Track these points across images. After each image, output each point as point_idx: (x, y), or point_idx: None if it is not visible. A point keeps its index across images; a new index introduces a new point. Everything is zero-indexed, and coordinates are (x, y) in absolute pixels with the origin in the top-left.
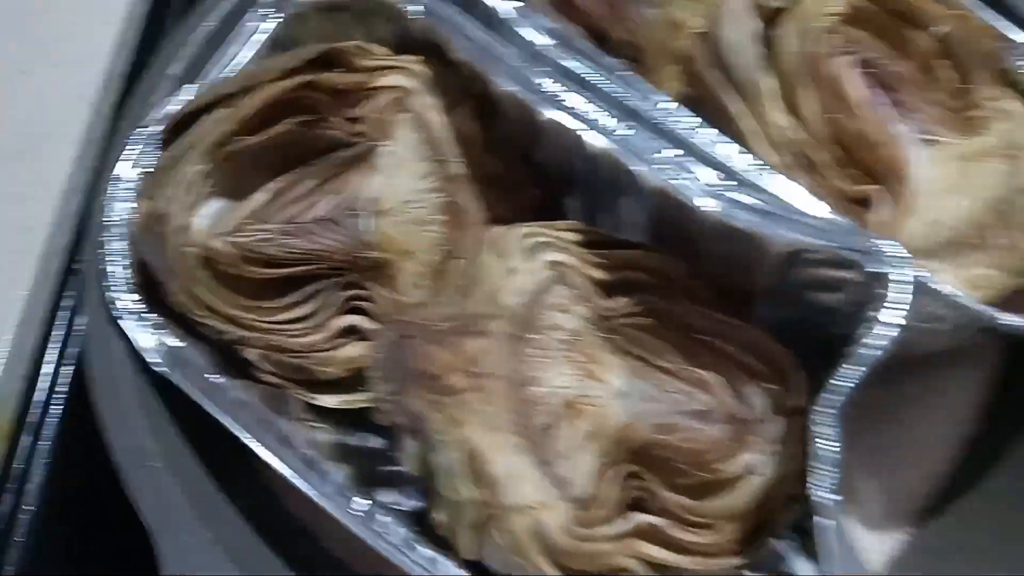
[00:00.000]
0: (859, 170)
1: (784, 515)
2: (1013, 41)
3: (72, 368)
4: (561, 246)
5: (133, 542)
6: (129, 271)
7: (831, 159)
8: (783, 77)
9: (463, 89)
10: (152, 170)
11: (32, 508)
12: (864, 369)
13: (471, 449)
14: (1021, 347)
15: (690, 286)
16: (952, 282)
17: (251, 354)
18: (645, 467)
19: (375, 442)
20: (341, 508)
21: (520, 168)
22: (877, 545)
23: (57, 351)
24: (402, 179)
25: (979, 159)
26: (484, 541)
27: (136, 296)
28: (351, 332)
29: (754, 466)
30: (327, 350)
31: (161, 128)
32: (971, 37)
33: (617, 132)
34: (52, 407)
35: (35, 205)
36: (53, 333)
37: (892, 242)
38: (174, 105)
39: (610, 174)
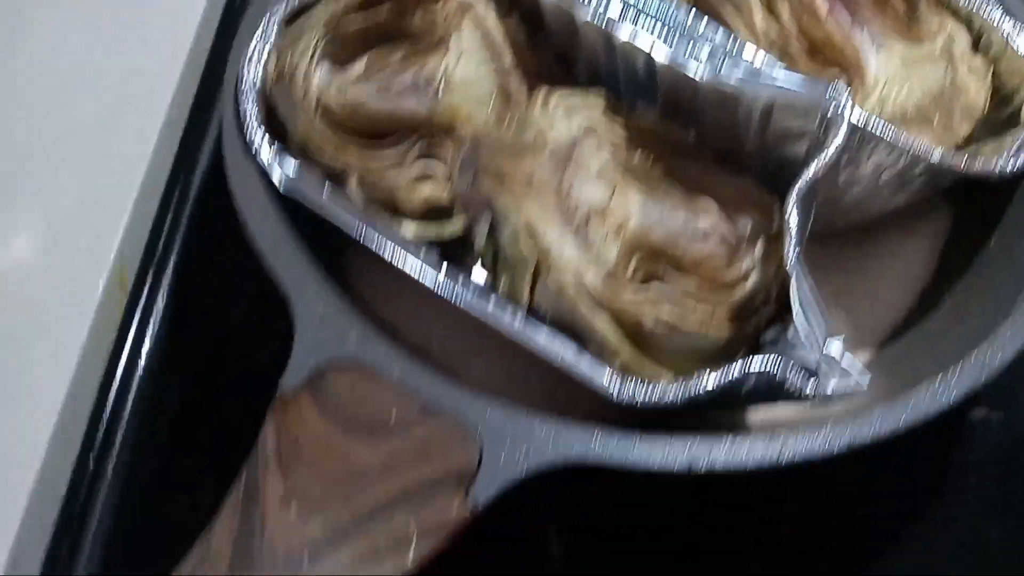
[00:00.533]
0: (825, 63)
1: (764, 309)
2: None
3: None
4: (591, 110)
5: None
6: (259, 118)
7: (802, 50)
8: None
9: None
10: (283, 37)
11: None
12: (817, 169)
13: (529, 224)
14: (963, 213)
15: (694, 150)
16: None
17: (351, 182)
18: (656, 264)
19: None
20: (433, 276)
21: (557, 65)
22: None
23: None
24: (466, 64)
25: (921, 60)
26: (539, 288)
27: (266, 134)
28: (426, 176)
29: (746, 273)
30: (408, 187)
31: (285, 13)
32: None
33: (640, 26)
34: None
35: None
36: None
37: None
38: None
39: (626, 56)
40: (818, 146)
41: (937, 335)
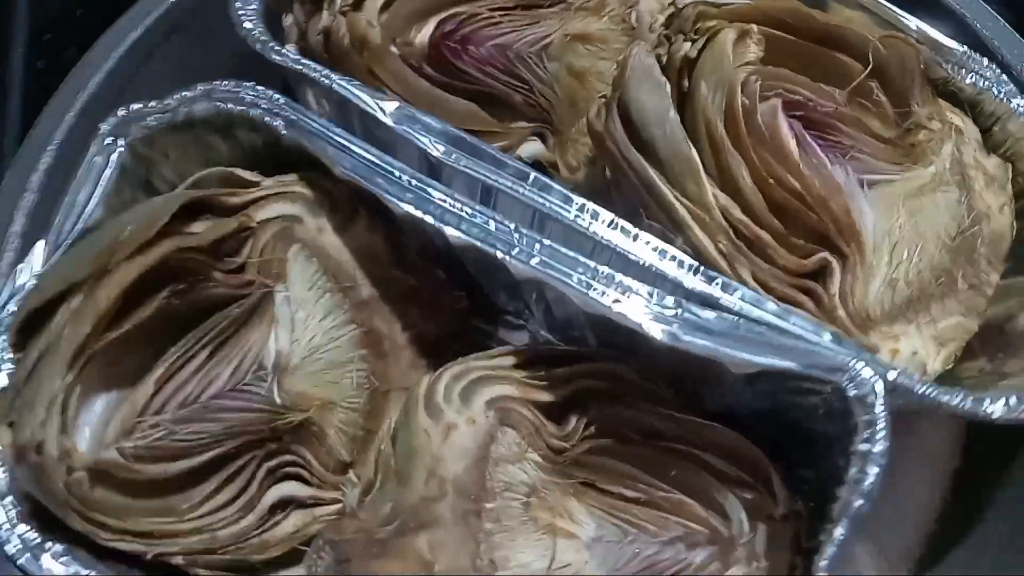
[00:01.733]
0: (806, 237)
1: None
2: (946, 48)
3: None
4: (498, 377)
5: None
6: (19, 501)
7: (773, 235)
8: (708, 142)
9: (354, 200)
10: (9, 388)
11: None
12: (854, 518)
13: None
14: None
15: (647, 389)
16: (920, 344)
17: (177, 560)
18: None
19: None
20: None
21: (437, 276)
22: None
23: None
24: (307, 323)
25: (928, 192)
26: None
27: (28, 528)
28: (286, 504)
29: None
30: (262, 532)
31: (10, 327)
32: (901, 51)
33: (536, 255)
34: None
35: None
36: None
37: (863, 359)
38: (15, 304)
39: (537, 291)
40: (835, 414)
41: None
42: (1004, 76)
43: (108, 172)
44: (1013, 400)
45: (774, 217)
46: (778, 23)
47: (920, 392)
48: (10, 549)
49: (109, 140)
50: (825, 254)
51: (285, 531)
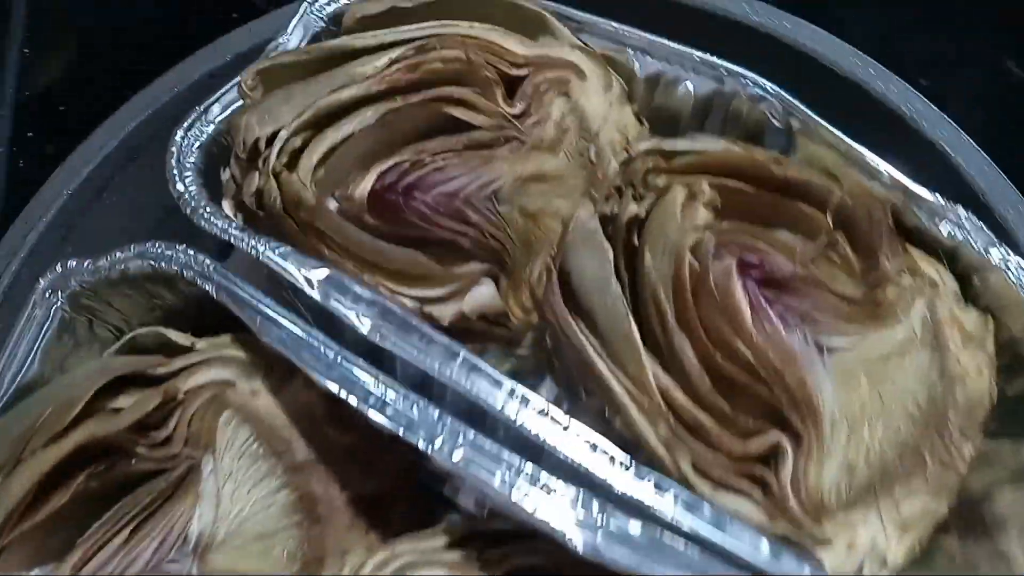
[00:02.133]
0: (757, 412)
1: None
2: (919, 195)
3: None
4: (427, 562)
5: None
6: None
7: (717, 417)
8: (655, 312)
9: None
10: None
11: None
12: None
13: None
14: None
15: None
16: (879, 531)
17: None
18: None
19: None
20: None
21: (375, 434)
22: None
23: None
24: (233, 495)
25: (895, 357)
26: None
27: None
28: None
29: None
30: None
31: None
32: (867, 203)
33: (459, 447)
34: None
35: None
36: None
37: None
38: None
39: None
40: None
41: None
42: (982, 224)
43: (47, 325)
44: None
45: (720, 395)
46: (736, 173)
47: None
48: None
49: (49, 293)
50: (776, 435)
51: None
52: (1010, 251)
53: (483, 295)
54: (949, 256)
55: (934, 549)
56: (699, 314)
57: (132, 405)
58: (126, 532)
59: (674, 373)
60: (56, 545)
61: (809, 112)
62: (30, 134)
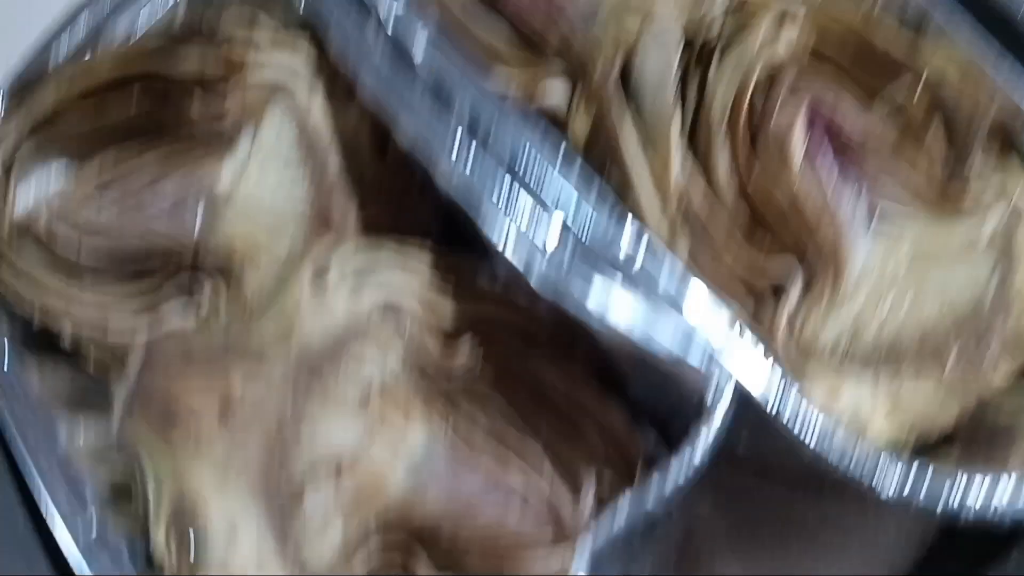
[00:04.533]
0: (778, 245)
1: None
2: None
3: None
4: (404, 276)
5: None
6: None
7: (735, 221)
8: (702, 117)
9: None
10: None
11: None
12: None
13: (183, 490)
14: None
15: (557, 352)
16: (869, 396)
17: (65, 327)
18: (418, 542)
19: None
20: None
21: (411, 179)
22: None
23: None
24: (262, 173)
25: (949, 255)
26: None
27: None
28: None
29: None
30: None
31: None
32: (973, 95)
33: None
34: None
35: None
36: None
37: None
38: (28, 68)
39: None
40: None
41: None
42: None
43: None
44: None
45: (746, 207)
46: (837, 22)
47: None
48: None
49: None
50: (792, 263)
51: None
52: None
53: (556, 88)
54: None
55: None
56: (750, 131)
57: (212, 53)
58: (156, 168)
59: (703, 167)
60: (96, 153)
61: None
62: None
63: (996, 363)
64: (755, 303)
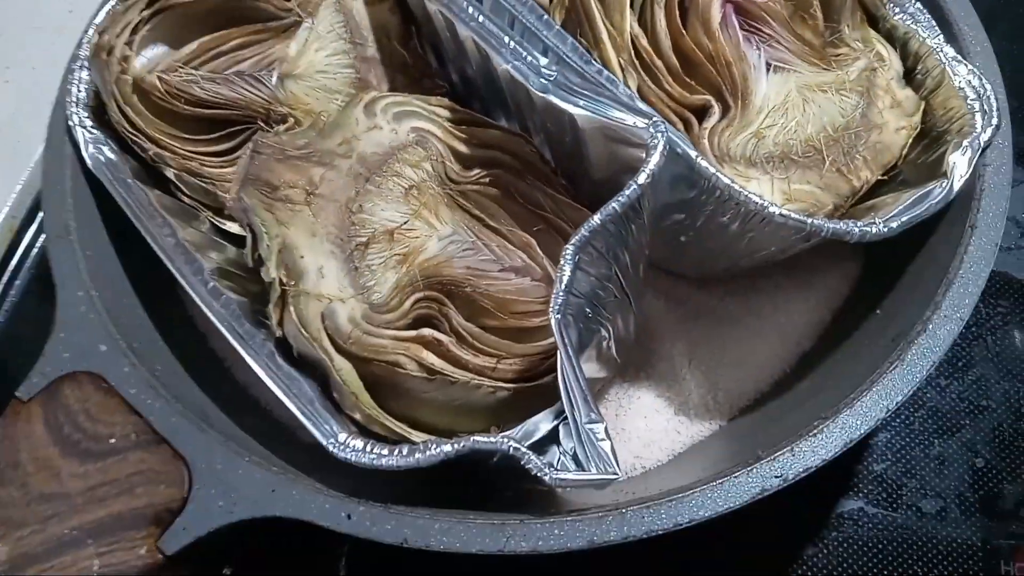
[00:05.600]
0: (700, 83)
1: None
2: None
3: None
4: (430, 117)
5: None
6: (87, 93)
7: (669, 67)
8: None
9: None
10: (110, 12)
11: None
12: (606, 216)
13: (287, 243)
14: (864, 276)
15: (544, 172)
16: (768, 190)
17: (170, 172)
18: (448, 297)
19: None
20: (192, 282)
21: (429, 63)
22: (685, 428)
23: None
24: (318, 52)
25: (827, 90)
26: (284, 318)
27: (88, 113)
28: None
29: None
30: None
31: None
32: None
33: (479, 20)
34: None
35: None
36: None
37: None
38: None
39: (475, 58)
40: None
41: (792, 407)
42: (935, 24)
43: None
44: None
45: (676, 59)
46: None
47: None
48: (70, 120)
49: None
50: (709, 98)
51: None
52: (951, 48)
53: None
54: (901, 44)
55: None
56: (681, 7)
57: None
58: (240, 43)
59: (646, 31)
60: (192, 32)
61: None
62: None
63: (860, 169)
64: (684, 126)
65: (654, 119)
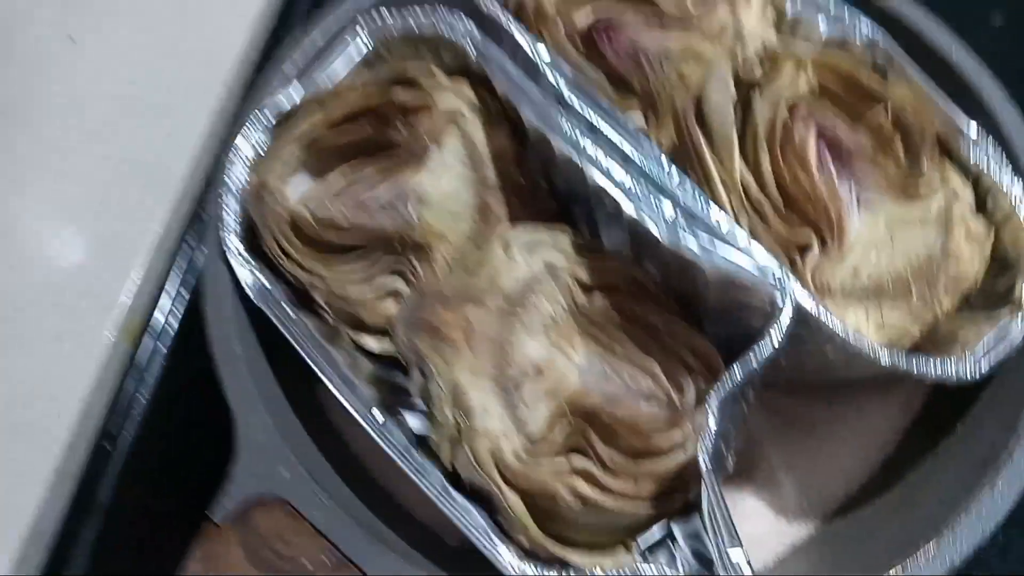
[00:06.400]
0: (801, 220)
1: (692, 488)
2: (963, 131)
3: (189, 292)
4: (556, 247)
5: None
6: (238, 222)
7: (775, 207)
8: (750, 137)
9: (503, 113)
10: (264, 150)
11: (147, 395)
12: (747, 373)
13: (456, 384)
14: (940, 386)
15: (657, 296)
16: (864, 320)
17: (318, 296)
18: (590, 425)
19: (399, 378)
20: (363, 414)
21: (540, 182)
22: (785, 530)
23: (179, 277)
24: (446, 179)
25: (911, 224)
26: (457, 453)
27: (243, 243)
28: (392, 293)
29: (681, 443)
30: (374, 302)
31: (272, 115)
32: (923, 118)
33: (605, 168)
34: (170, 318)
35: (173, 160)
36: (178, 261)
37: (794, 278)
38: (284, 99)
39: (601, 202)
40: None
41: (888, 517)
42: (1006, 160)
43: (355, 52)
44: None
45: (780, 198)
46: (835, 71)
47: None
48: (227, 251)
49: (359, 28)
50: (811, 235)
51: (387, 309)
52: (1020, 187)
53: (636, 120)
54: (974, 178)
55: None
56: (781, 148)
57: (410, 95)
58: (379, 175)
59: (753, 173)
60: (336, 165)
61: (905, 57)
62: None
63: (942, 299)
64: (790, 263)
65: (779, 278)
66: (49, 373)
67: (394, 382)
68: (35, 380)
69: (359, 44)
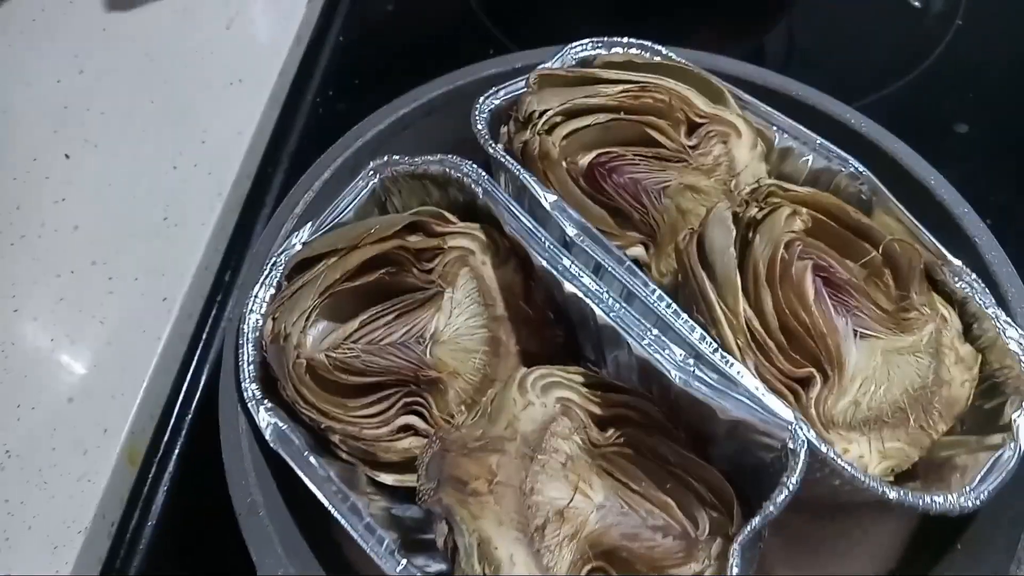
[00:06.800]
0: (803, 356)
1: None
2: (948, 259)
3: (190, 415)
4: (569, 385)
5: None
6: (256, 369)
7: (778, 346)
8: (751, 275)
9: (510, 250)
10: (280, 299)
11: (153, 523)
12: (765, 518)
13: (483, 537)
14: None
15: (667, 427)
16: (867, 451)
17: (334, 437)
18: (610, 563)
19: (415, 512)
20: (390, 566)
21: (548, 315)
22: None
23: (181, 400)
24: (458, 317)
25: (905, 354)
26: None
27: (258, 387)
28: (408, 429)
29: (701, 572)
30: (389, 441)
31: (286, 263)
32: (909, 253)
33: (616, 310)
34: (176, 444)
35: (173, 278)
36: (185, 384)
37: (806, 425)
38: (299, 246)
39: (611, 339)
40: (780, 468)
41: None
42: (987, 290)
43: (364, 192)
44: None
45: (783, 336)
46: (826, 210)
47: (841, 467)
48: (246, 396)
49: (371, 173)
50: (812, 370)
51: (403, 446)
52: (1003, 313)
53: (637, 252)
54: (960, 305)
55: (904, 480)
56: (780, 285)
57: (420, 240)
58: (392, 316)
59: (756, 312)
60: (352, 308)
61: (889, 194)
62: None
63: (937, 423)
64: (793, 398)
65: (791, 423)
66: None
67: (411, 522)
68: None
69: (368, 182)
